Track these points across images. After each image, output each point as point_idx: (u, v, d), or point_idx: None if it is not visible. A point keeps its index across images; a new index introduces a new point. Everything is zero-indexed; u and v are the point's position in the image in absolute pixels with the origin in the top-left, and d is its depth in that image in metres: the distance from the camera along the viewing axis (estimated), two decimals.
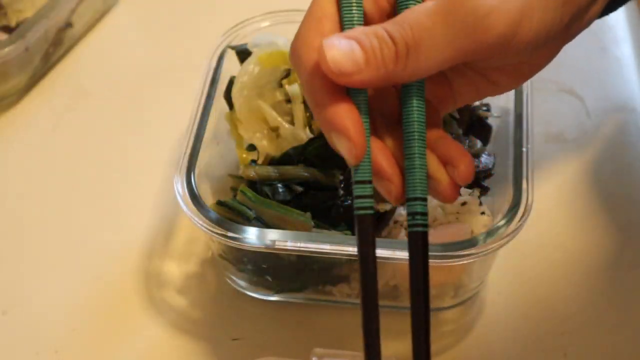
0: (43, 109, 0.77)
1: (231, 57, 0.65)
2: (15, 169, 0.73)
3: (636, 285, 0.63)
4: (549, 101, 0.75)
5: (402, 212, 0.58)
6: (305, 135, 0.60)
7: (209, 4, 0.86)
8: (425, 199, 0.41)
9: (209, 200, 0.58)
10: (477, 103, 0.66)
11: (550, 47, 0.43)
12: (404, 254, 0.52)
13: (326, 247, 0.54)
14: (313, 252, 0.54)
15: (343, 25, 0.42)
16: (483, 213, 0.59)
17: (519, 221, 0.54)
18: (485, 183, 0.62)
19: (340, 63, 0.39)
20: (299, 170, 0.59)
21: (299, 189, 0.59)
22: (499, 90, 0.45)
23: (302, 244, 0.54)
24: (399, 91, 0.42)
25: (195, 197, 0.56)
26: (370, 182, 0.41)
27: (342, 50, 0.39)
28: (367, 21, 0.42)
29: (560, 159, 0.71)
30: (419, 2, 0.41)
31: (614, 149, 0.72)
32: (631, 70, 0.79)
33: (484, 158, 0.62)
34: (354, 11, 0.42)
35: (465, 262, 0.53)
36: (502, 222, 0.54)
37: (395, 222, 0.59)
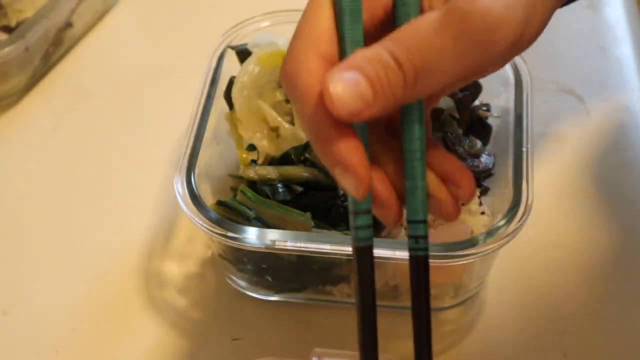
0: (43, 109, 0.77)
1: (231, 57, 0.65)
2: (15, 169, 0.73)
3: (636, 285, 0.63)
4: (549, 101, 0.75)
5: None
6: (305, 135, 0.60)
7: (209, 4, 0.86)
8: (427, 221, 0.40)
9: (209, 200, 0.58)
10: (477, 103, 0.66)
11: None
12: (404, 254, 0.52)
13: (326, 247, 0.54)
14: (313, 252, 0.54)
15: (343, 44, 0.38)
16: (483, 213, 0.59)
17: (519, 221, 0.54)
18: (485, 183, 0.62)
19: (348, 103, 0.36)
20: (299, 170, 0.59)
21: (299, 189, 0.59)
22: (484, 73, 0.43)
23: (302, 244, 0.54)
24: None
25: (195, 197, 0.56)
26: (369, 211, 0.39)
27: (348, 87, 0.36)
28: (364, 31, 0.39)
29: (560, 159, 0.71)
30: (418, 9, 0.39)
31: (614, 149, 0.72)
32: (631, 70, 0.78)
33: (484, 158, 0.62)
34: (354, 27, 0.38)
35: (465, 262, 0.53)
36: (502, 222, 0.54)
37: None
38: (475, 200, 0.59)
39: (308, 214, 0.57)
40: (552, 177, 0.69)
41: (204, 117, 0.60)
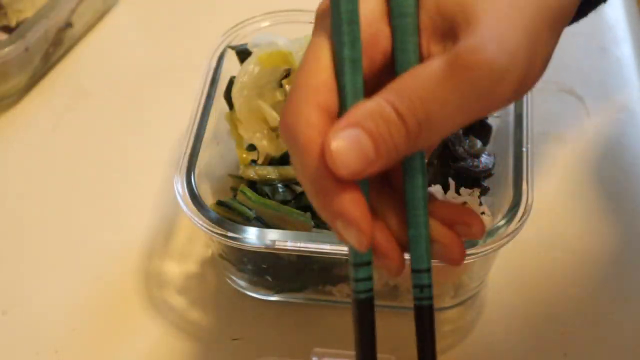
0: (43, 109, 0.77)
1: (231, 57, 0.65)
2: (15, 169, 0.73)
3: (636, 285, 0.63)
4: (549, 101, 0.75)
5: None
6: (302, 188, 0.60)
7: (209, 4, 0.86)
8: (431, 269, 0.40)
9: (209, 200, 0.58)
10: None
11: None
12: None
13: (326, 247, 0.54)
14: (313, 252, 0.54)
15: (343, 95, 0.37)
16: (483, 213, 0.59)
17: (519, 221, 0.54)
18: (485, 183, 0.62)
19: (351, 162, 0.35)
20: None
21: (299, 189, 0.59)
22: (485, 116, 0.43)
23: (302, 244, 0.54)
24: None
25: (195, 197, 0.56)
26: (370, 263, 0.39)
27: (350, 145, 0.35)
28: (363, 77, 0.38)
29: (560, 159, 0.71)
30: (417, 56, 0.38)
31: (614, 149, 0.72)
32: (631, 70, 0.78)
33: (484, 158, 0.62)
34: (354, 77, 0.37)
35: (465, 262, 0.53)
36: (502, 222, 0.54)
37: None
38: (476, 200, 0.59)
39: (308, 214, 0.57)
40: (552, 177, 0.69)
41: (204, 117, 0.60)
